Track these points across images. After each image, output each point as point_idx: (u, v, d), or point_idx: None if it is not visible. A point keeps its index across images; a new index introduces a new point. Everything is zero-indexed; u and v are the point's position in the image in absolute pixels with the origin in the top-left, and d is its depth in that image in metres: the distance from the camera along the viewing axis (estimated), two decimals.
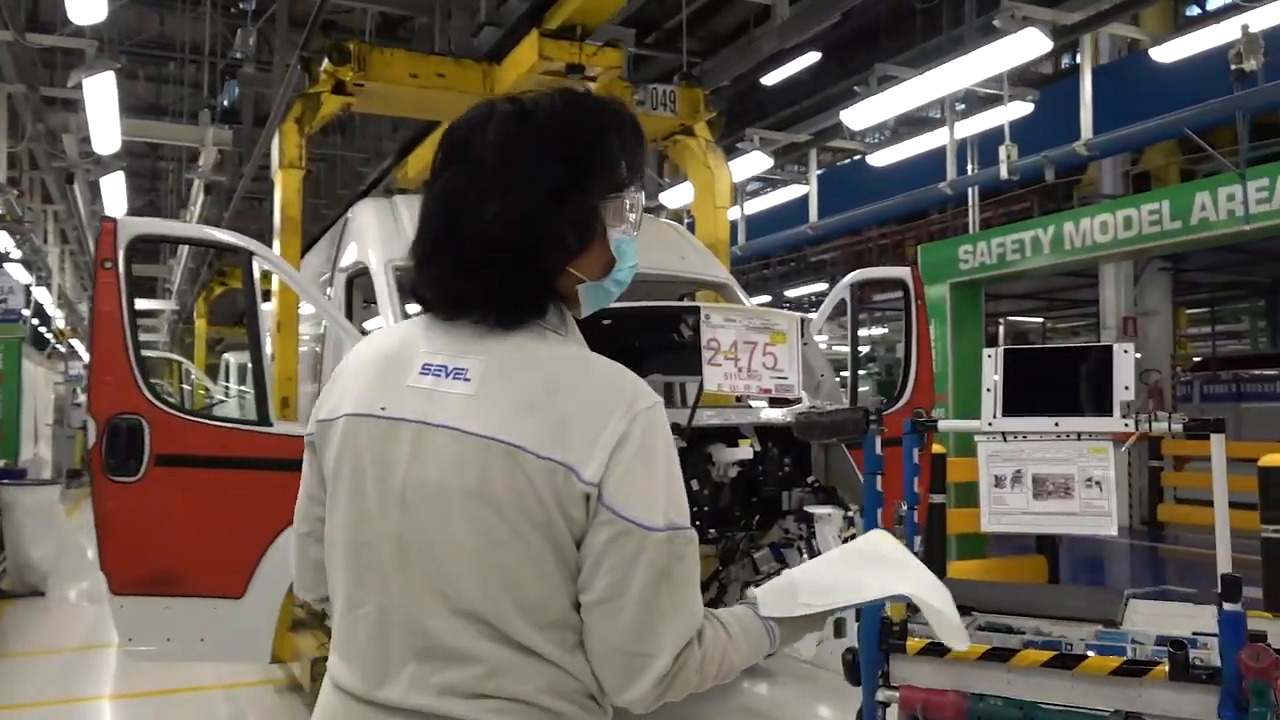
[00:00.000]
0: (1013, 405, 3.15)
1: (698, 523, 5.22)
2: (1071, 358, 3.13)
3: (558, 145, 1.34)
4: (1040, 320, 23.62)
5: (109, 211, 10.92)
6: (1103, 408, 3.02)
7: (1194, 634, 2.64)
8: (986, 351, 3.22)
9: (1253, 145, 6.67)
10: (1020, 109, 7.72)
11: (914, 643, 2.58)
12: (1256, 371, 18.28)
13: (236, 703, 5.83)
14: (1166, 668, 2.29)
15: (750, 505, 5.47)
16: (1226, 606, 2.25)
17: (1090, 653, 2.53)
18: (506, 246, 1.31)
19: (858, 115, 7.98)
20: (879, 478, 2.92)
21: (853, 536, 5.00)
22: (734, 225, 12.09)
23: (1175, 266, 15.27)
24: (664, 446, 1.30)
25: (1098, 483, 3.06)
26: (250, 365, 5.01)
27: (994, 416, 3.16)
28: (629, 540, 1.25)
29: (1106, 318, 14.02)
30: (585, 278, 1.38)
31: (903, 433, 3.31)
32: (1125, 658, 2.42)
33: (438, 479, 1.29)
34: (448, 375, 1.32)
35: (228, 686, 6.04)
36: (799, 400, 5.05)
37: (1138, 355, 13.75)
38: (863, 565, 1.46)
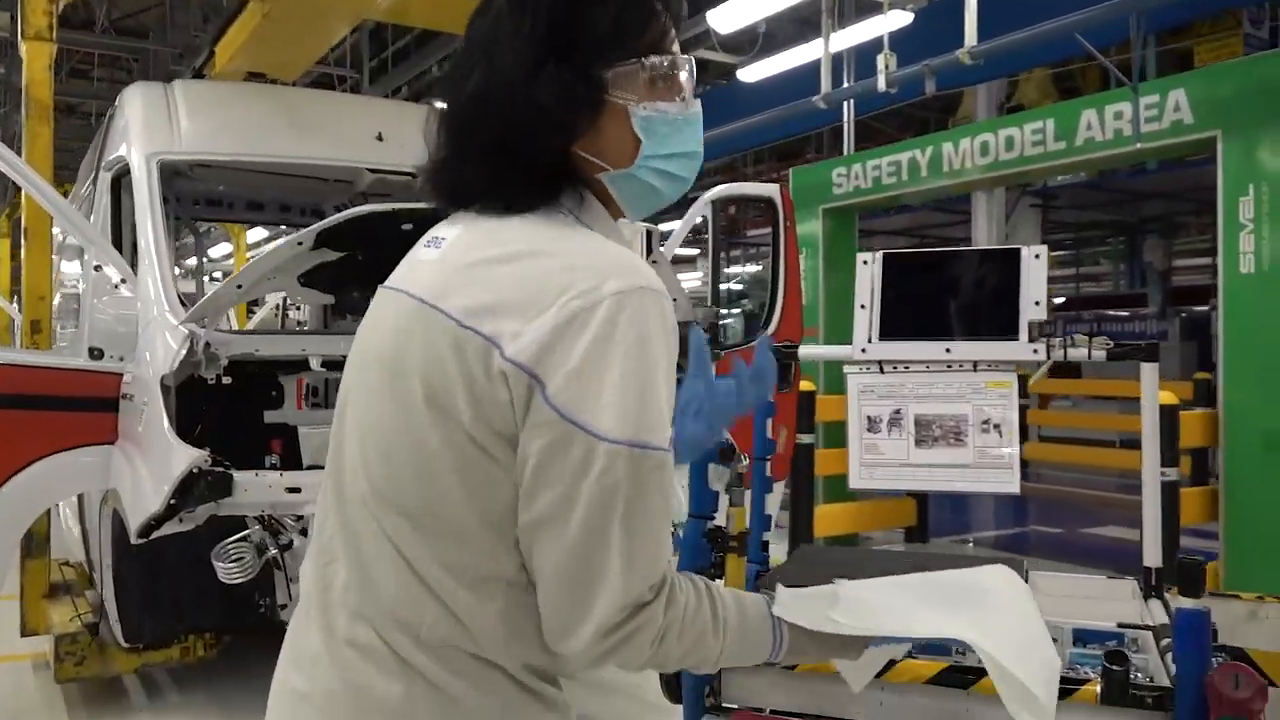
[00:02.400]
0: (893, 328, 2.44)
1: None
2: (968, 266, 2.44)
3: (540, 7, 1.17)
4: None
5: None
6: (1007, 329, 2.33)
7: (1120, 626, 1.99)
8: (862, 257, 2.50)
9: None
10: (900, 18, 7.05)
11: None
12: (1115, 312, 18.51)
13: None
14: (1097, 688, 1.63)
15: None
16: (1185, 602, 1.59)
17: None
18: (487, 127, 1.18)
19: (725, 17, 7.20)
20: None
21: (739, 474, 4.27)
22: None
23: (1045, 204, 15.12)
24: (635, 341, 1.07)
25: (996, 426, 2.39)
26: None
27: (868, 341, 2.44)
28: (573, 448, 1.05)
29: None
30: (606, 165, 1.20)
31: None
32: None
33: (376, 346, 1.22)
34: (429, 244, 1.24)
35: None
36: None
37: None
38: (943, 597, 1.28)
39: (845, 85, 7.90)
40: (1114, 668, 1.61)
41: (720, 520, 2.06)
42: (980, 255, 2.45)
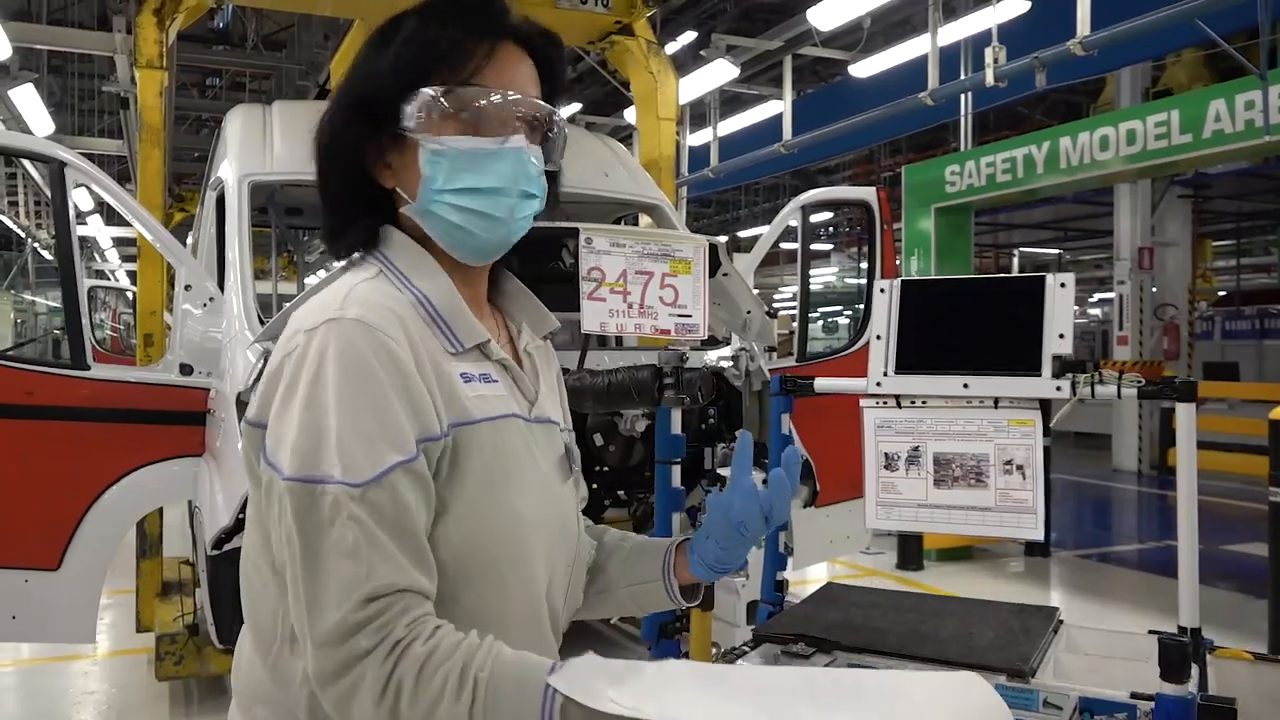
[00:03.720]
0: (910, 360, 2.30)
1: (595, 486, 4.46)
2: (989, 295, 2.26)
3: (365, 49, 1.23)
4: (1057, 252, 22.48)
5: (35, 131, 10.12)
6: (1029, 364, 2.17)
7: (1133, 696, 1.81)
8: (879, 285, 2.37)
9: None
10: (1011, 8, 6.69)
11: None
12: None
13: (94, 675, 5.14)
14: None
15: None
16: (1166, 689, 1.42)
17: None
18: (322, 165, 1.24)
19: (825, 14, 6.98)
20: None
21: None
22: (706, 147, 11.12)
23: (1196, 194, 14.19)
24: (314, 374, 1.04)
25: (1020, 467, 2.22)
26: (62, 299, 4.22)
27: (884, 374, 2.31)
28: (272, 489, 1.05)
29: (1121, 249, 13.04)
30: (408, 199, 1.19)
31: (770, 394, 2.48)
32: None
33: None
34: None
35: (92, 657, 5.35)
36: (702, 341, 4.24)
37: (1154, 289, 12.81)
38: (814, 693, 0.99)
39: (957, 79, 7.56)
40: None
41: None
42: (1001, 284, 2.27)
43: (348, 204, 1.21)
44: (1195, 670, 1.95)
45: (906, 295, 2.32)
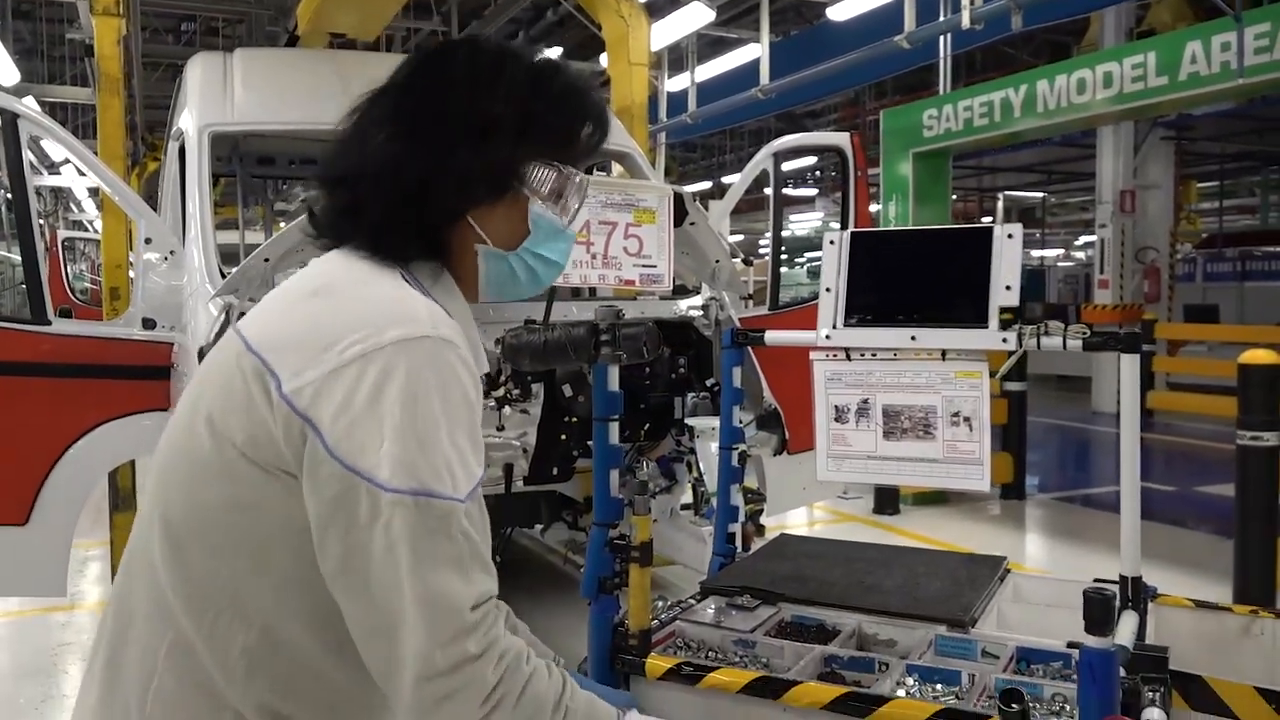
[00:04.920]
0: (859, 313, 2.28)
1: (564, 437, 4.45)
2: (937, 247, 2.24)
3: (480, 87, 1.23)
4: (1041, 195, 22.39)
5: None
6: (976, 316, 2.15)
7: (1069, 645, 1.83)
8: (829, 237, 2.34)
9: None
10: None
11: (658, 661, 1.78)
12: (1264, 249, 17.20)
13: (71, 627, 5.16)
14: None
15: (637, 414, 4.68)
16: (1090, 642, 1.42)
17: (904, 687, 1.73)
18: (396, 185, 1.20)
19: None
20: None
21: (744, 455, 4.15)
22: (684, 94, 10.96)
23: (1179, 136, 14.11)
24: (414, 389, 1.07)
25: (967, 419, 2.21)
26: (20, 253, 4.15)
27: (833, 326, 2.29)
28: (359, 499, 1.05)
29: (1103, 192, 12.99)
30: (488, 240, 1.25)
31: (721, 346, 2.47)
32: (940, 705, 1.61)
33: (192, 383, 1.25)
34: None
35: (69, 609, 5.36)
36: (669, 292, 4.20)
37: (1136, 232, 12.76)
38: None
39: (935, 21, 7.44)
40: (1009, 709, 1.47)
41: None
42: (950, 235, 2.24)
43: (405, 215, 1.21)
44: (1134, 619, 1.97)
45: (856, 247, 2.29)
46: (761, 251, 22.24)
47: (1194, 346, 13.68)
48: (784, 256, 6.62)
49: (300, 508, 1.10)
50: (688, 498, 4.85)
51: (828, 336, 2.29)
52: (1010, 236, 2.13)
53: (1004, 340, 2.12)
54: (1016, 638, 1.91)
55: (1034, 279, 19.45)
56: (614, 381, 1.85)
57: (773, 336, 2.41)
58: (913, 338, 2.20)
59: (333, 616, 1.13)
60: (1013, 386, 8.02)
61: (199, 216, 4.28)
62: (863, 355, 2.30)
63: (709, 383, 4.72)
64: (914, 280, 2.24)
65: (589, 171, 1.37)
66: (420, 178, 1.20)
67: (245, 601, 1.13)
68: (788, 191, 18.53)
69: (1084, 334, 2.07)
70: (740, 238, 23.74)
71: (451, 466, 1.08)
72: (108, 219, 5.34)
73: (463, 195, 1.22)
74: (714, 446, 3.96)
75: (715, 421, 3.95)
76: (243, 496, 1.12)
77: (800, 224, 23.66)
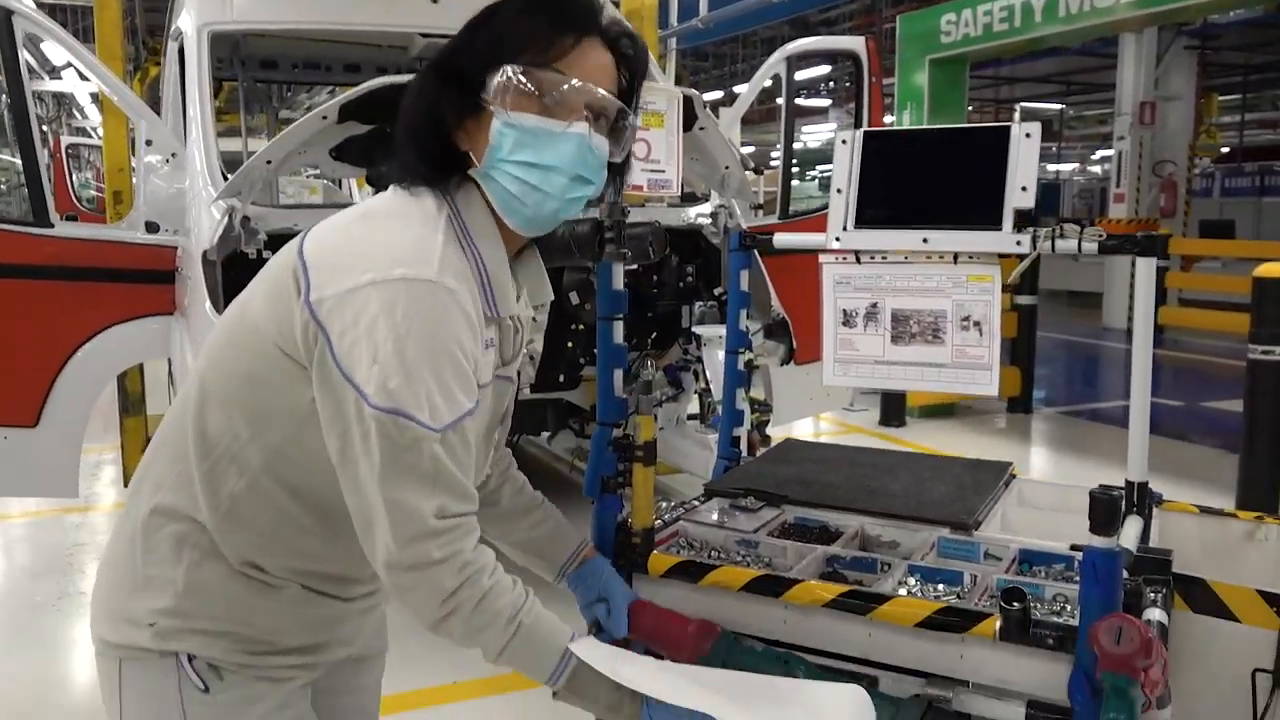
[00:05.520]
0: (870, 215, 2.23)
1: (570, 345, 4.43)
2: (953, 145, 2.18)
3: (464, 29, 1.35)
4: (1059, 107, 21.96)
5: None
6: (990, 218, 2.10)
7: (1072, 548, 1.82)
8: (840, 137, 2.27)
9: None
10: None
11: (661, 559, 1.78)
12: None
13: (86, 528, 5.24)
14: (997, 624, 1.49)
15: (644, 322, 4.66)
16: (1095, 542, 1.42)
17: (906, 586, 1.73)
18: (407, 120, 1.35)
19: None
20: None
21: (750, 363, 4.14)
22: None
23: (1203, 45, 13.76)
24: (408, 324, 1.20)
25: (977, 323, 2.18)
26: (20, 155, 4.10)
27: (843, 229, 2.24)
28: (349, 406, 1.21)
29: (1122, 103, 12.73)
30: (477, 162, 1.33)
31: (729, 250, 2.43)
32: (942, 603, 1.61)
33: None
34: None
35: (84, 510, 5.44)
36: (677, 198, 4.15)
37: (1155, 145, 12.51)
38: (747, 695, 1.37)
39: None
40: (1010, 606, 1.47)
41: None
42: (965, 134, 2.18)
43: (425, 149, 1.33)
44: (1139, 523, 1.96)
45: (869, 147, 2.23)
46: (773, 163, 21.94)
47: (1208, 263, 13.56)
48: (795, 169, 6.53)
49: (301, 395, 1.27)
50: (694, 407, 4.85)
51: (838, 239, 2.25)
52: (1028, 136, 2.06)
53: (1018, 243, 2.07)
54: (1019, 540, 1.90)
55: (1048, 193, 19.20)
56: (618, 280, 1.81)
57: (782, 239, 2.37)
58: (925, 240, 2.15)
59: (315, 493, 1.31)
60: (1024, 300, 7.97)
61: (200, 119, 4.21)
62: (873, 258, 2.26)
63: (717, 292, 4.68)
64: (927, 182, 2.18)
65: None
66: (419, 108, 1.33)
67: (240, 456, 1.31)
68: (800, 102, 18.17)
69: (1100, 236, 2.03)
70: (751, 149, 23.37)
71: (433, 397, 1.20)
72: (109, 121, 5.26)
73: (436, 121, 1.32)
74: (721, 355, 3.96)
75: (723, 330, 3.93)
76: (259, 371, 1.29)
77: (813, 135, 23.26)
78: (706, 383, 4.50)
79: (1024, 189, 2.07)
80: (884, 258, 2.25)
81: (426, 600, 1.24)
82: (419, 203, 1.31)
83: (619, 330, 1.82)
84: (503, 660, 1.31)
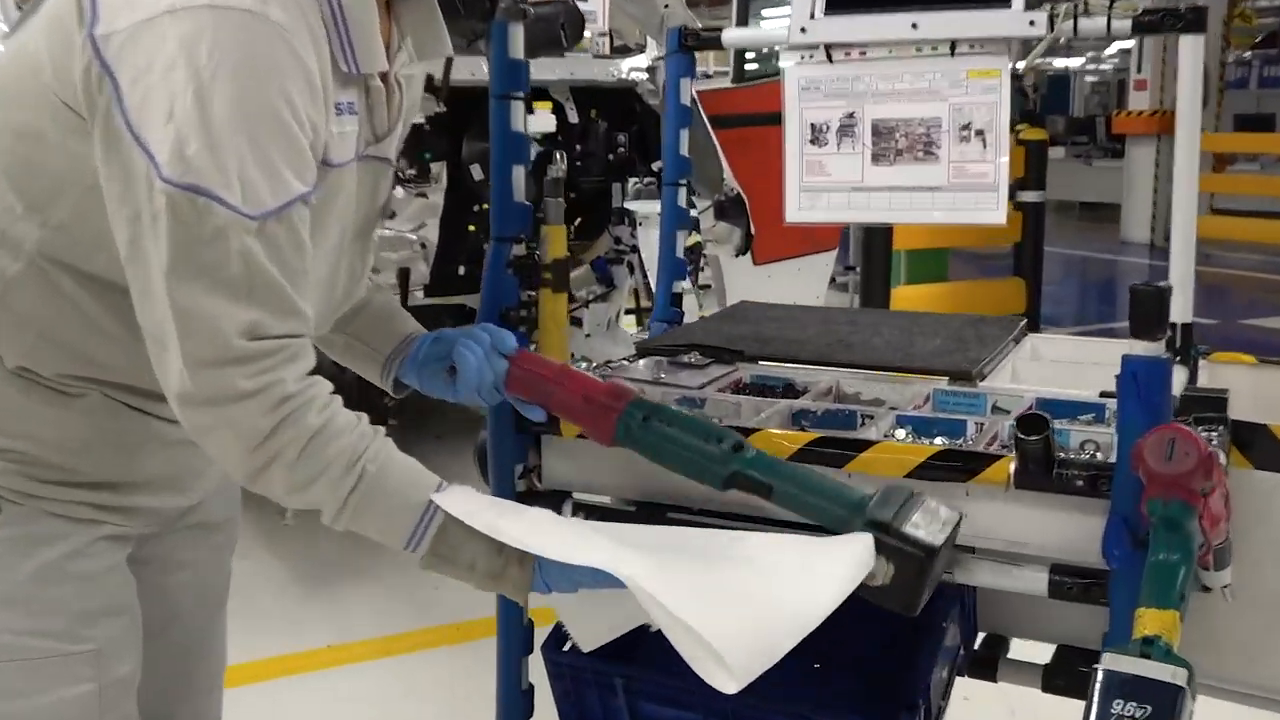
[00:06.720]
0: None
1: (473, 228, 4.28)
2: None
3: None
4: None
5: None
6: None
7: (1102, 395, 1.72)
8: None
9: None
10: None
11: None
12: None
13: None
14: (1011, 467, 1.37)
15: (566, 203, 4.51)
16: (1137, 348, 1.30)
17: (893, 439, 1.60)
18: None
19: None
20: None
21: (696, 248, 4.03)
22: None
23: None
24: (217, 66, 1.07)
25: (979, 132, 2.07)
26: None
27: (809, 17, 2.11)
28: (137, 178, 1.09)
29: None
30: None
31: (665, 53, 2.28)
32: (942, 445, 1.49)
33: None
34: None
35: None
36: (611, 49, 3.99)
37: None
38: (674, 547, 1.28)
39: None
40: (1028, 438, 1.34)
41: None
42: None
43: None
44: (1184, 371, 1.88)
45: None
46: None
47: (1245, 163, 13.72)
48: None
49: (86, 158, 1.14)
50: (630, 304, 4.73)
51: (803, 30, 2.10)
52: None
53: (1031, 23, 1.96)
54: (1036, 389, 1.80)
55: (1056, 88, 19.31)
56: (517, 48, 1.65)
57: (730, 35, 2.22)
58: (914, 25, 2.02)
59: (111, 285, 1.20)
60: (1028, 197, 7.90)
61: None
62: (848, 54, 2.13)
63: (655, 166, 4.54)
64: None
65: None
66: None
67: (11, 233, 1.21)
68: None
69: (1135, 12, 1.92)
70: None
71: (247, 171, 1.09)
72: None
73: None
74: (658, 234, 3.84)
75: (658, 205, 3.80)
76: (33, 124, 1.18)
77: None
78: (645, 275, 4.36)
79: None
80: (862, 53, 2.13)
81: (233, 445, 1.16)
82: None
83: (519, 113, 1.66)
84: (345, 522, 1.22)
